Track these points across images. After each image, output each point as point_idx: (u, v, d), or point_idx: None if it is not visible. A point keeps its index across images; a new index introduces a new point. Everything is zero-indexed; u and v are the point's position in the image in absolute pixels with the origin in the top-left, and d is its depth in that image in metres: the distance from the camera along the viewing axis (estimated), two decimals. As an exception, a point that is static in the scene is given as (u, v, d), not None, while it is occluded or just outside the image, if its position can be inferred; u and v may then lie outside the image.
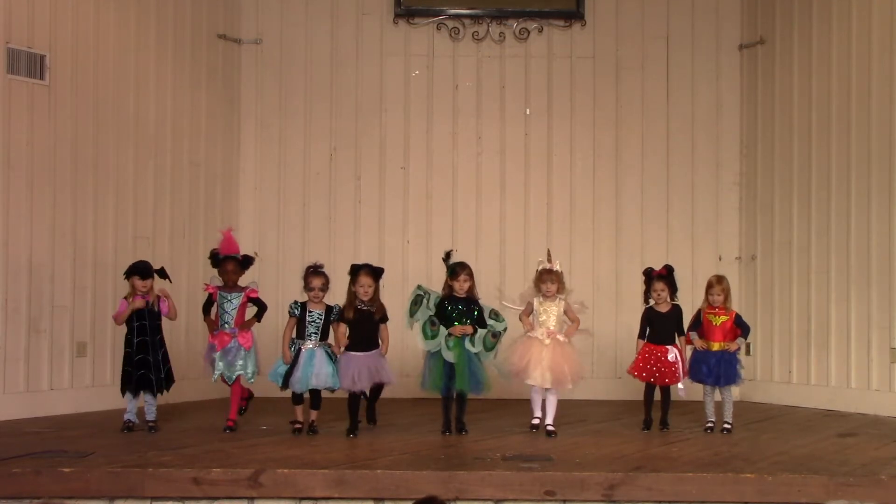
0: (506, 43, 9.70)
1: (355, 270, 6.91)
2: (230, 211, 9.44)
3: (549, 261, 7.10)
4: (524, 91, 9.72)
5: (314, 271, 6.91)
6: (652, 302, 7.32)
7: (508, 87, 9.72)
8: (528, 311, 7.07)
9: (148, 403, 6.92)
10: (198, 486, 5.26)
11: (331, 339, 6.92)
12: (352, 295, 6.89)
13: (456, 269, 7.01)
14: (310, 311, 6.87)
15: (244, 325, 7.03)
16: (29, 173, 7.72)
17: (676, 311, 7.30)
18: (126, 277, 6.94)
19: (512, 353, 7.01)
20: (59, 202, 7.93)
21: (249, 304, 7.10)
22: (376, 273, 6.91)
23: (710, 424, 7.18)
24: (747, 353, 7.63)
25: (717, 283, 7.20)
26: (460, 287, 6.97)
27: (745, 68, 9.61)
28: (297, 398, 6.94)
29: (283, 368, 6.85)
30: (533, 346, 6.96)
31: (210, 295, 7.05)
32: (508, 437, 6.83)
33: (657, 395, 7.32)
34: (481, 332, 6.96)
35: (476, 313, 6.99)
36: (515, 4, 9.72)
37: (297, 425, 6.92)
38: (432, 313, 6.97)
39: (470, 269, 7.03)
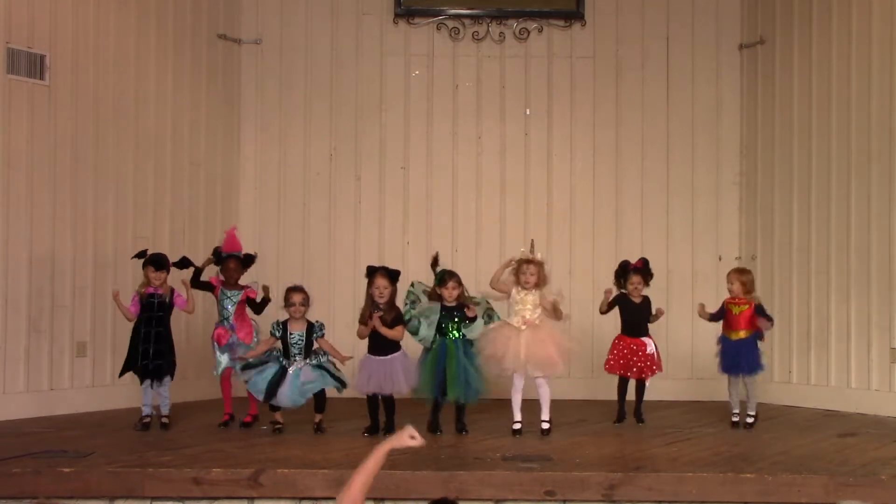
0: (506, 43, 9.69)
1: (371, 272, 6.90)
2: (230, 211, 9.42)
3: (532, 251, 7.06)
4: (524, 91, 9.70)
5: (294, 288, 6.93)
6: (625, 291, 7.55)
7: (508, 87, 9.70)
8: (508, 286, 6.94)
9: (163, 397, 6.97)
10: (198, 486, 5.27)
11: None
12: (369, 298, 6.88)
13: (444, 277, 6.93)
14: (291, 333, 6.85)
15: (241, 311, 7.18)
16: (29, 173, 7.72)
17: (646, 301, 7.56)
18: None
19: (486, 342, 6.88)
20: (58, 202, 7.93)
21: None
22: (392, 275, 6.88)
23: (735, 418, 7.26)
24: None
25: (733, 273, 7.39)
26: (449, 295, 6.89)
27: (745, 68, 9.59)
28: (275, 405, 6.90)
29: (262, 383, 6.79)
30: (508, 332, 6.83)
31: (199, 269, 7.23)
32: (508, 437, 6.82)
33: (630, 392, 7.53)
34: (478, 321, 6.95)
35: (469, 321, 6.92)
36: (515, 4, 9.70)
37: (278, 426, 6.91)
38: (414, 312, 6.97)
39: (458, 277, 6.95)
